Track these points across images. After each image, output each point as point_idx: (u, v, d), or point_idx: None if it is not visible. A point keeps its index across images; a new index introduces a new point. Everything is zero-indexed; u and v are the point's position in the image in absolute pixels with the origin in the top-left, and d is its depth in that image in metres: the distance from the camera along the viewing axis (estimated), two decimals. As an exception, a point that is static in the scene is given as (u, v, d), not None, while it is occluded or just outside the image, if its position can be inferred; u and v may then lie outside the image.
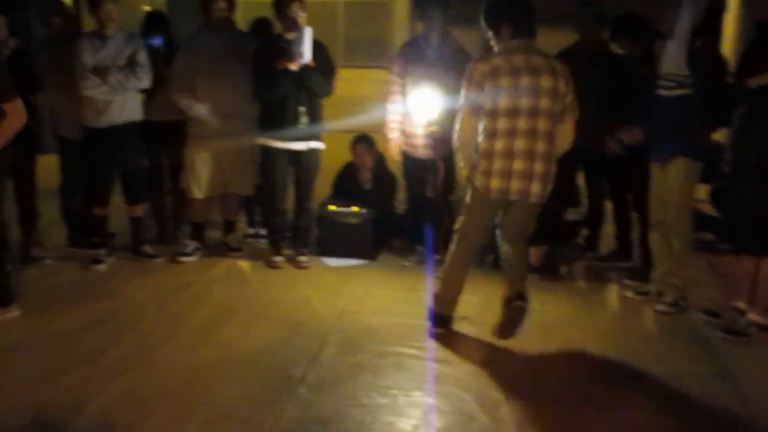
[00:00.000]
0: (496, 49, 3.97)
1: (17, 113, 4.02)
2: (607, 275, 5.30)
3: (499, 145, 3.85)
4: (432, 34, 5.16)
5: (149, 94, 5.49)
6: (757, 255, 4.23)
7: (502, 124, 3.83)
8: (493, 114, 3.83)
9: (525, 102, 3.79)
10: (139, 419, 3.25)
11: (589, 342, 4.16)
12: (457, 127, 3.99)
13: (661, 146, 4.48)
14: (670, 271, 4.59)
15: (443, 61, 5.13)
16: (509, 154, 3.86)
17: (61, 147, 5.59)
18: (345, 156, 6.03)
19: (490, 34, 3.97)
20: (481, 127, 3.90)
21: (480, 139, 3.91)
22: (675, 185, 4.44)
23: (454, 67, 5.08)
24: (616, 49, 5.19)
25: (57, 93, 5.39)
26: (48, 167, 5.71)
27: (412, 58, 5.22)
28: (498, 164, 3.88)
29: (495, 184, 3.91)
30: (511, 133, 3.83)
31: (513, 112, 3.81)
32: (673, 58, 4.34)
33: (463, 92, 3.91)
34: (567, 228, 5.31)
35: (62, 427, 3.18)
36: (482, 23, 3.99)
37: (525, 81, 3.79)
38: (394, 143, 5.39)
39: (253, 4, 8.09)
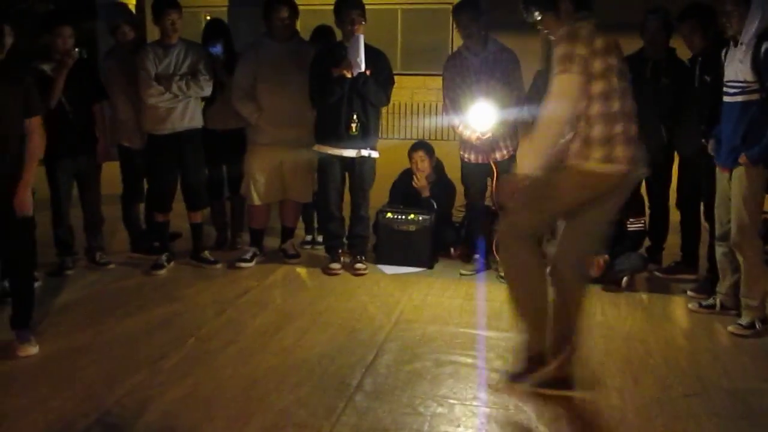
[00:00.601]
0: (551, 30, 3.42)
1: (40, 130, 4.08)
2: (670, 287, 5.19)
3: (619, 128, 3.30)
4: (471, 42, 5.17)
5: (209, 102, 5.59)
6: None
7: (616, 105, 3.29)
8: (607, 94, 3.28)
9: (624, 81, 3.36)
10: (200, 423, 3.28)
11: (651, 355, 4.07)
12: (559, 87, 3.24)
13: (727, 153, 4.35)
14: (744, 292, 4.40)
15: (488, 65, 5.13)
16: (629, 138, 3.34)
17: (121, 156, 5.73)
18: (404, 163, 6.04)
19: (539, 14, 3.44)
20: (589, 111, 3.27)
21: (590, 125, 3.28)
22: (740, 194, 4.30)
23: (500, 69, 5.10)
24: (681, 36, 5.04)
25: (120, 102, 5.53)
26: (112, 174, 5.84)
27: (459, 70, 5.23)
28: (619, 150, 3.29)
29: (598, 152, 3.29)
30: (623, 115, 3.33)
31: (623, 91, 3.33)
32: (737, 64, 4.23)
33: (566, 49, 3.21)
34: (629, 238, 5.20)
35: (125, 430, 3.24)
36: (526, 4, 3.48)
37: (618, 59, 3.34)
38: (471, 134, 5.23)
39: (315, 13, 8.17)
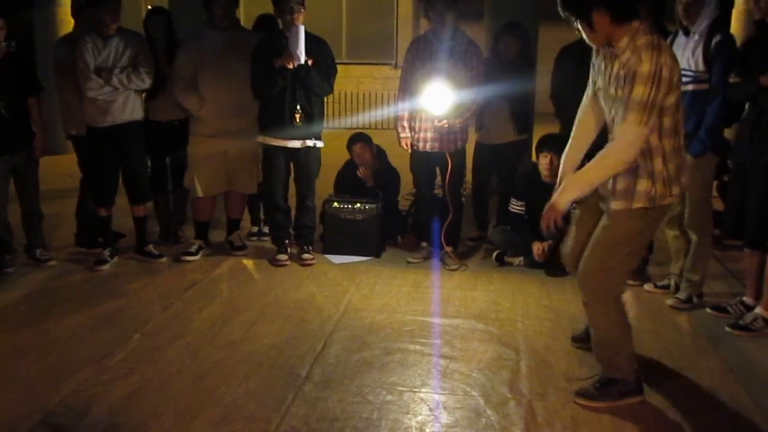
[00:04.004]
0: (592, 39, 3.14)
1: None
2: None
3: (684, 158, 3.31)
4: (441, 29, 5.14)
5: (151, 94, 5.49)
6: (762, 250, 4.21)
7: (679, 116, 3.19)
8: (677, 128, 3.18)
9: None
10: (147, 420, 3.24)
11: (595, 337, 4.15)
12: (631, 140, 3.03)
13: (684, 141, 4.45)
14: (688, 267, 4.59)
15: (453, 55, 5.12)
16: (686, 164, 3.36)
17: (75, 145, 5.61)
18: (348, 153, 6.02)
19: (575, 20, 3.11)
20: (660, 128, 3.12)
21: (661, 142, 3.14)
22: (700, 181, 4.41)
23: (463, 61, 5.10)
24: None
25: (66, 92, 5.40)
26: (51, 169, 5.71)
27: (421, 54, 5.21)
28: (684, 177, 3.29)
29: (676, 188, 3.24)
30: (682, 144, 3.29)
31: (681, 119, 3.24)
32: (689, 54, 4.33)
33: (649, 95, 2.97)
34: (572, 223, 5.27)
35: (70, 430, 3.17)
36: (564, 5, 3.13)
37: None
38: (404, 141, 5.37)
39: (256, 2, 8.09)
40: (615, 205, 3.23)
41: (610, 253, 3.28)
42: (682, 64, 4.36)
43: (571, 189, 3.28)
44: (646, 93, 2.97)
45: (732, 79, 4.20)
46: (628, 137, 3.05)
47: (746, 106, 4.27)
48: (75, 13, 5.68)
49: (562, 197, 3.27)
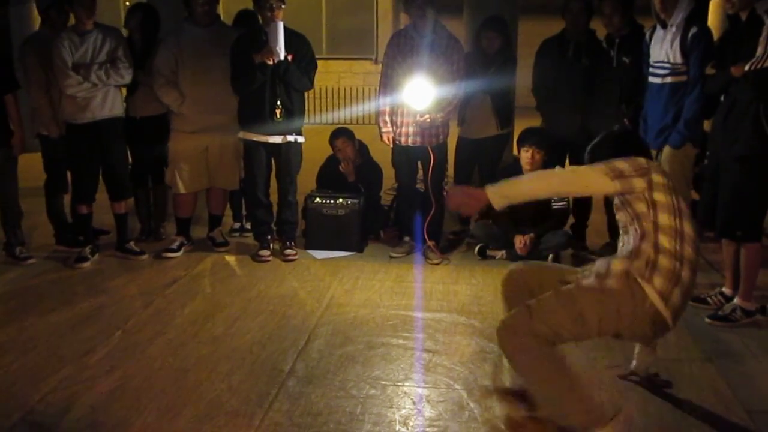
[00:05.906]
0: None
1: None
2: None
3: (685, 273, 2.98)
4: (422, 24, 5.14)
5: (130, 90, 5.45)
6: (738, 241, 4.25)
7: (683, 226, 3.01)
8: (671, 210, 2.99)
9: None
10: (129, 417, 3.23)
11: (577, 329, 4.17)
12: (588, 173, 2.99)
13: (655, 134, 4.48)
14: None
15: (434, 50, 5.13)
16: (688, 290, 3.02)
17: (42, 146, 5.55)
18: (330, 148, 6.01)
19: None
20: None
21: (655, 233, 2.93)
22: (679, 172, 4.45)
23: (444, 55, 5.10)
24: (601, 16, 5.12)
25: (35, 90, 5.35)
26: (31, 166, 5.66)
27: (402, 48, 5.22)
28: (675, 296, 2.94)
29: (658, 281, 2.89)
30: (688, 261, 3.00)
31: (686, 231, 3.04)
32: (667, 46, 4.36)
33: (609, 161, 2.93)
34: (554, 216, 5.31)
35: (51, 427, 3.16)
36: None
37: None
38: (386, 135, 5.37)
39: (236, -3, 8.04)
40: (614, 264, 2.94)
41: (565, 300, 2.90)
42: (661, 56, 4.42)
43: (510, 190, 3.00)
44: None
45: (708, 71, 4.24)
46: (588, 172, 2.95)
47: (722, 97, 4.31)
48: (42, 12, 5.61)
49: (497, 196, 2.94)
